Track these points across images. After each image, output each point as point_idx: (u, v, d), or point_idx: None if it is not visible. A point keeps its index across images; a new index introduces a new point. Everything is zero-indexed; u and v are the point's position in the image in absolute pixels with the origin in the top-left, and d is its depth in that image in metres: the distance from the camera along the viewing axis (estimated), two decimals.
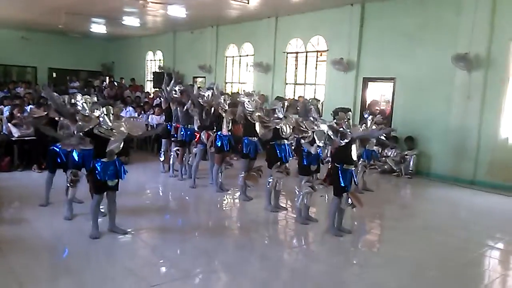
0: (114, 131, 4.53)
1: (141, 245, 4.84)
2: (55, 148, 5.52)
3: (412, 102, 9.36)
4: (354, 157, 4.98)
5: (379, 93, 10.47)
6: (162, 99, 8.75)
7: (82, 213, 5.40)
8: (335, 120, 5.22)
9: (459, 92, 8.48)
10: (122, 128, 4.57)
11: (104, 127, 4.50)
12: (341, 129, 4.93)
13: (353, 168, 5.11)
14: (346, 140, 4.86)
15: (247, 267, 4.35)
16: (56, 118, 5.51)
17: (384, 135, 6.72)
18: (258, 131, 5.91)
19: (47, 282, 3.78)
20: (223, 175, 7.06)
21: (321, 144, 5.07)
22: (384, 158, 9.24)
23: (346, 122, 4.97)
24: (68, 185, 5.26)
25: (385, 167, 9.20)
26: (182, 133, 7.43)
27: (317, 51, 11.67)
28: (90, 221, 4.81)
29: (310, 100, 5.87)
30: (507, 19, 7.86)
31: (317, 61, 11.76)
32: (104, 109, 4.55)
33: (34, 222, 5.23)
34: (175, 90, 7.84)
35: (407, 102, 9.49)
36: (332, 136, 4.91)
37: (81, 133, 4.70)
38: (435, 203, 7.25)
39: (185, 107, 7.22)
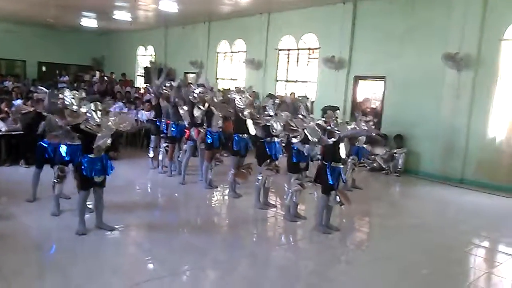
0: (101, 126, 4.48)
1: (129, 242, 4.81)
2: (42, 143, 5.46)
3: (402, 100, 9.41)
4: (343, 155, 4.98)
5: (370, 91, 10.51)
6: (151, 95, 8.70)
7: (69, 209, 5.35)
8: (323, 118, 5.22)
9: (449, 92, 8.54)
10: (110, 124, 4.52)
11: (92, 122, 4.46)
12: (329, 127, 4.94)
13: (341, 166, 5.12)
14: (333, 139, 4.87)
15: (236, 265, 4.35)
16: (44, 113, 5.45)
17: (373, 135, 6.74)
18: (250, 128, 5.90)
19: (34, 279, 3.73)
20: (212, 172, 7.04)
21: (315, 140, 5.05)
22: (373, 156, 9.28)
23: (335, 121, 4.98)
24: (55, 180, 5.21)
25: (374, 165, 9.25)
26: (172, 129, 7.40)
27: (309, 49, 11.67)
28: (77, 217, 4.76)
29: (300, 98, 5.84)
30: (497, 19, 7.92)
31: (308, 58, 11.77)
32: (92, 104, 4.50)
33: (21, 218, 5.17)
34: (165, 86, 7.80)
35: (397, 100, 9.53)
36: (320, 134, 4.92)
37: (68, 127, 4.65)
38: (423, 202, 7.31)
39: (172, 103, 7.19)
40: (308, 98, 5.67)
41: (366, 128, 6.53)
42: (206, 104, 6.74)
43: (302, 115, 5.32)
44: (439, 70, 8.58)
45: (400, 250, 4.93)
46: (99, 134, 4.46)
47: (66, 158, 5.16)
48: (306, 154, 5.26)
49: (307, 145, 5.13)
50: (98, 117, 4.48)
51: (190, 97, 6.87)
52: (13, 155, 7.95)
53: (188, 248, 4.62)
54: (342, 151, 4.94)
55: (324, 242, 5.05)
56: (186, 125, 7.14)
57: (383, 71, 9.73)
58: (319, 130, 4.96)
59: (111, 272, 3.91)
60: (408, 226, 5.83)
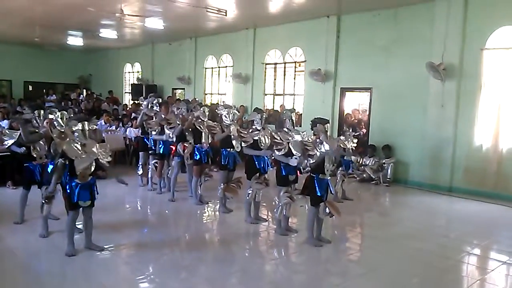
0: (86, 149, 4.43)
1: (119, 262, 4.75)
2: (30, 165, 5.41)
3: (388, 111, 9.52)
4: (327, 172, 5.00)
5: (356, 103, 10.62)
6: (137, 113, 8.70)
7: (58, 230, 5.28)
8: (313, 131, 5.25)
9: (434, 101, 8.67)
10: (94, 149, 4.47)
11: (75, 146, 4.40)
12: (318, 140, 4.96)
13: (328, 178, 5.14)
14: (312, 161, 4.89)
15: (227, 281, 4.31)
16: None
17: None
18: (234, 144, 5.92)
19: None
20: (202, 187, 7.01)
21: (298, 154, 5.08)
22: (362, 167, 9.35)
23: (324, 134, 4.99)
24: (43, 201, 5.14)
25: (364, 175, 9.30)
26: (160, 146, 7.38)
27: (295, 62, 11.78)
28: (66, 238, 4.69)
29: (284, 112, 5.88)
30: (478, 29, 8.10)
31: (295, 71, 11.87)
32: (80, 125, 4.47)
33: (9, 240, 5.09)
34: (152, 104, 7.80)
35: (383, 111, 9.64)
36: (302, 150, 4.94)
37: (62, 161, 4.57)
38: (413, 211, 7.35)
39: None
40: (293, 111, 5.69)
41: (353, 146, 6.63)
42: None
43: (287, 128, 5.34)
44: (423, 80, 8.72)
45: (392, 260, 4.94)
46: (76, 160, 4.39)
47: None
48: (292, 165, 5.26)
49: (294, 157, 5.14)
50: (86, 137, 4.45)
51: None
52: (0, 176, 7.83)
53: (179, 266, 4.57)
54: (328, 167, 4.96)
55: (316, 255, 5.04)
56: (173, 141, 7.13)
57: (369, 83, 9.86)
58: (307, 147, 4.97)
59: None
60: (399, 235, 5.85)
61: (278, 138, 5.26)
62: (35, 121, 5.45)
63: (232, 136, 5.79)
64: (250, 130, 5.84)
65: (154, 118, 7.56)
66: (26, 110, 5.81)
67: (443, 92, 8.50)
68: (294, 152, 5.06)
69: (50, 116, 5.38)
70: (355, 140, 6.87)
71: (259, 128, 5.77)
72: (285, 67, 12.06)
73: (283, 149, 5.20)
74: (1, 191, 7.55)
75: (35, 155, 5.37)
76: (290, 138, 5.19)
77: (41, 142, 5.34)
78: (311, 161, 4.88)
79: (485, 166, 8.13)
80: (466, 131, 8.35)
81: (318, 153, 4.87)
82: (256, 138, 5.64)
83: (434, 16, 8.62)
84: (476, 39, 8.12)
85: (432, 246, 5.45)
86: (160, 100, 7.98)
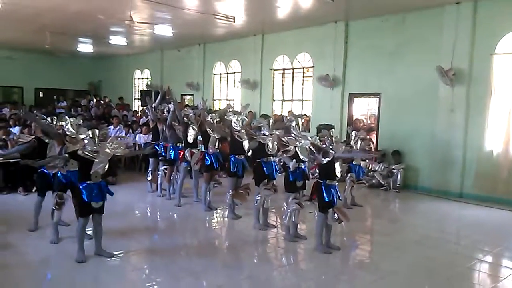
0: (99, 152, 4.50)
1: (128, 268, 4.77)
2: (44, 170, 5.46)
3: (397, 116, 9.48)
4: (338, 174, 4.99)
5: (365, 108, 10.59)
6: (148, 117, 8.75)
7: (68, 236, 5.32)
8: (318, 137, 5.24)
9: (443, 106, 8.61)
10: (107, 150, 4.53)
11: (89, 149, 4.47)
12: (324, 146, 4.96)
13: (336, 184, 5.12)
14: (328, 159, 4.89)
15: (236, 287, 4.31)
16: (46, 140, 5.47)
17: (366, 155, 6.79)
18: (245, 148, 5.93)
19: None
20: (211, 193, 7.03)
21: (305, 159, 5.08)
22: (372, 173, 9.31)
23: (329, 139, 4.99)
24: (54, 208, 5.19)
25: (373, 181, 9.25)
26: (171, 151, 7.41)
27: (303, 68, 11.79)
28: (76, 244, 4.73)
29: (289, 117, 5.89)
30: (487, 34, 8.05)
31: (303, 77, 11.88)
32: (90, 132, 4.53)
33: (20, 246, 5.14)
34: (162, 108, 7.86)
35: (392, 116, 9.60)
36: (315, 154, 4.94)
37: (66, 155, 4.66)
38: (423, 217, 7.28)
39: (167, 123, 7.24)
40: (299, 116, 5.71)
41: (360, 147, 6.58)
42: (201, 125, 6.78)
43: (294, 133, 5.35)
44: (432, 86, 8.68)
45: (402, 267, 4.90)
46: (96, 160, 4.48)
47: (64, 184, 5.16)
48: (292, 169, 5.26)
49: (294, 160, 5.14)
50: (96, 144, 4.50)
51: (184, 118, 6.94)
52: (12, 183, 7.93)
53: (188, 272, 4.58)
54: (338, 170, 4.95)
55: (325, 262, 5.01)
56: (181, 147, 7.17)
57: (378, 88, 9.82)
58: (313, 150, 4.98)
59: None
60: (409, 242, 5.81)
61: (285, 141, 5.26)
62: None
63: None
64: (258, 135, 5.86)
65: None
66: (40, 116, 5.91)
67: (453, 97, 8.45)
68: (301, 157, 5.06)
69: (60, 123, 5.43)
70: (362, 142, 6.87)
71: (266, 133, 5.78)
72: (293, 73, 12.08)
73: (289, 152, 5.22)
74: (12, 197, 7.63)
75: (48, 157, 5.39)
76: (297, 143, 5.19)
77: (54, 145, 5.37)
78: (326, 160, 4.87)
79: (496, 172, 8.05)
80: (476, 136, 8.28)
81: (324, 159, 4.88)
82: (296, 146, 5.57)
83: (443, 21, 8.59)
84: (486, 44, 8.07)
85: (442, 253, 5.40)
86: (172, 106, 8.02)
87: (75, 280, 4.29)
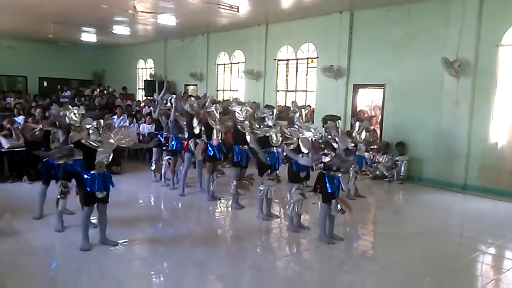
0: (103, 142, 4.51)
1: (132, 257, 4.80)
2: (49, 159, 5.48)
3: (402, 107, 9.44)
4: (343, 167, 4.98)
5: (369, 99, 10.54)
6: (152, 108, 8.76)
7: (73, 224, 5.35)
8: (324, 128, 5.23)
9: (448, 98, 8.56)
10: (111, 140, 4.53)
11: (93, 138, 4.48)
12: (329, 137, 4.94)
13: (339, 175, 5.12)
14: (327, 159, 4.86)
15: (239, 277, 4.33)
16: (53, 131, 5.49)
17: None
18: (248, 140, 5.93)
19: None
20: (214, 184, 7.04)
21: (306, 152, 5.07)
22: (375, 164, 9.29)
23: (335, 131, 4.97)
24: (58, 196, 5.22)
25: (377, 172, 9.24)
26: (173, 142, 7.42)
27: (308, 58, 11.73)
28: (81, 233, 4.76)
29: (292, 108, 5.87)
30: (493, 25, 7.97)
31: (307, 68, 11.82)
32: (95, 122, 4.53)
33: (26, 234, 5.17)
34: (166, 100, 7.85)
35: (397, 107, 9.56)
36: (315, 153, 4.93)
37: (71, 144, 4.67)
38: (427, 208, 7.28)
39: (170, 118, 7.26)
40: (302, 107, 5.68)
41: (364, 139, 6.56)
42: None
43: (297, 125, 5.33)
44: (437, 77, 8.62)
45: (405, 258, 4.91)
46: (99, 149, 4.48)
47: (69, 173, 5.19)
48: (302, 164, 5.26)
49: (303, 154, 5.13)
50: (100, 134, 4.51)
51: (188, 109, 6.93)
52: (16, 171, 7.97)
53: (191, 261, 4.61)
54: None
55: (328, 252, 5.03)
56: (185, 137, 7.18)
57: (382, 79, 9.77)
58: (315, 148, 4.97)
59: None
60: (412, 233, 5.81)
61: (288, 133, 5.25)
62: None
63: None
64: (261, 127, 5.85)
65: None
66: (53, 106, 5.92)
67: (458, 89, 8.39)
68: (302, 149, 5.05)
69: (64, 112, 5.43)
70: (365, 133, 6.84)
71: (270, 124, 5.77)
72: (297, 64, 12.02)
73: (293, 145, 5.21)
74: (17, 186, 7.67)
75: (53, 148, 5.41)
76: (300, 135, 5.18)
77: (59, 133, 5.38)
78: (327, 160, 4.85)
79: (500, 164, 8.02)
80: (481, 128, 8.25)
81: (332, 153, 4.86)
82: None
83: (448, 12, 8.50)
84: (492, 35, 7.99)
85: (446, 244, 5.40)
86: (175, 96, 8.01)
87: (80, 268, 4.33)
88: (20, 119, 9.59)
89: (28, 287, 3.85)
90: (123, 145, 4.80)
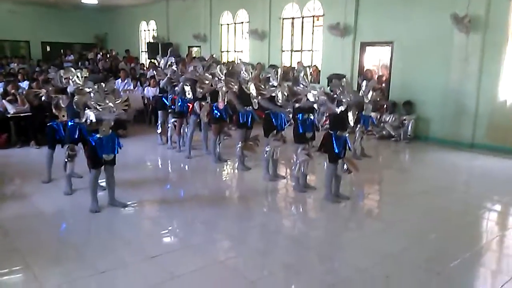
0: (104, 106, 4.47)
1: (141, 217, 4.89)
2: (53, 124, 5.49)
3: (410, 66, 9.25)
4: (351, 123, 4.93)
5: (377, 59, 10.33)
6: (155, 72, 8.65)
7: (82, 187, 5.43)
8: (329, 87, 5.16)
9: (457, 55, 8.37)
10: (111, 105, 4.49)
11: (95, 101, 4.44)
12: (335, 96, 4.89)
13: (346, 135, 5.10)
14: (342, 108, 4.82)
15: (247, 236, 4.40)
16: (54, 96, 5.46)
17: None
18: (253, 103, 5.88)
19: (51, 260, 3.76)
20: (221, 146, 7.05)
21: (314, 104, 5.05)
22: (382, 124, 9.22)
23: (341, 89, 4.90)
24: (66, 160, 5.27)
25: (383, 132, 9.19)
26: (179, 104, 7.38)
27: (313, 16, 11.43)
28: (90, 195, 4.83)
29: (297, 68, 5.77)
30: None
31: (313, 26, 11.55)
32: (96, 86, 4.48)
33: (35, 198, 5.26)
34: (172, 63, 7.74)
35: (405, 66, 9.37)
36: (328, 103, 4.88)
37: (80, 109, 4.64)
38: (434, 167, 7.28)
39: (178, 86, 7.19)
40: (307, 67, 5.58)
41: (371, 98, 6.47)
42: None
43: (303, 84, 5.26)
44: (447, 33, 8.39)
45: (411, 216, 4.94)
46: (100, 113, 4.44)
47: (75, 137, 5.21)
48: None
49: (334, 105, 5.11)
50: (102, 98, 4.47)
51: (190, 74, 6.86)
52: (23, 136, 8.02)
53: (199, 221, 4.68)
54: (351, 119, 4.89)
55: (334, 211, 5.08)
56: (191, 99, 7.13)
57: (390, 36, 9.53)
58: (327, 99, 4.92)
59: (125, 247, 3.99)
60: (418, 192, 5.83)
61: (297, 90, 5.20)
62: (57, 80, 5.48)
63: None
64: (267, 88, 5.78)
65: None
66: (51, 69, 5.87)
67: (467, 45, 8.18)
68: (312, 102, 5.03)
69: (67, 75, 5.38)
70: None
71: (275, 84, 5.69)
72: (302, 22, 11.72)
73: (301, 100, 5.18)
74: (25, 150, 7.74)
75: (57, 114, 5.42)
76: (308, 92, 5.13)
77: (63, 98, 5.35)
78: (340, 108, 4.82)
79: (509, 122, 7.93)
80: (490, 86, 8.10)
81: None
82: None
83: None
84: None
85: (452, 202, 5.43)
86: (174, 60, 7.90)
87: (91, 229, 4.42)
88: (24, 84, 9.57)
89: (40, 250, 3.93)
90: (125, 109, 4.74)
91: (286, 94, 5.40)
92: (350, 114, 4.86)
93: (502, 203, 5.55)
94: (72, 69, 5.39)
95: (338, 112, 4.86)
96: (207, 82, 6.56)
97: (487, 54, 8.06)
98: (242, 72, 6.14)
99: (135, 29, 18.71)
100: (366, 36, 10.08)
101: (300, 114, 5.41)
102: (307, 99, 5.09)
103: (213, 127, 6.88)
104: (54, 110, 5.43)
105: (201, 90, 6.55)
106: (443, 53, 8.59)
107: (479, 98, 8.24)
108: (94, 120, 4.42)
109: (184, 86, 7.04)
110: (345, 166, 5.12)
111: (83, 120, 4.54)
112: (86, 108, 4.47)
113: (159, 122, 8.20)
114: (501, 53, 7.91)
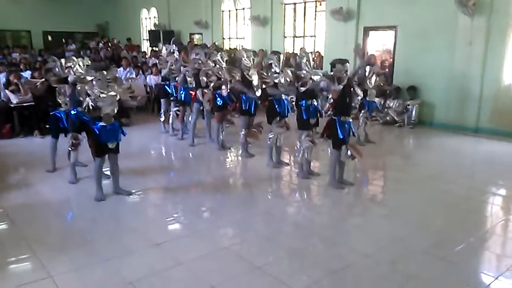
0: (104, 94, 4.45)
1: (146, 205, 4.91)
2: (56, 113, 5.48)
3: (414, 50, 9.16)
4: (360, 93, 4.90)
5: (380, 44, 10.23)
6: (157, 61, 8.61)
7: (86, 176, 5.45)
8: (332, 73, 5.13)
9: (461, 39, 8.27)
10: (112, 93, 4.47)
11: (97, 89, 4.42)
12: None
13: (350, 120, 5.08)
14: (343, 83, 4.79)
15: (251, 223, 4.41)
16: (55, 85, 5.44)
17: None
18: (256, 90, 5.85)
19: (57, 248, 3.78)
20: (224, 133, 7.04)
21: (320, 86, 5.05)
22: (386, 109, 9.17)
23: (344, 74, 4.87)
24: (70, 148, 5.27)
25: (387, 118, 9.15)
26: (181, 92, 7.36)
27: (316, 1, 11.31)
28: (95, 184, 4.84)
29: (299, 54, 5.74)
30: None
31: (316, 11, 11.43)
32: (98, 74, 4.46)
33: (40, 187, 5.28)
34: (173, 50, 7.70)
35: (409, 50, 9.29)
36: (329, 85, 4.87)
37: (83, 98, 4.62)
38: (438, 152, 7.25)
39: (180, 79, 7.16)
40: (309, 53, 5.55)
41: (374, 83, 6.44)
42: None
43: (305, 70, 5.23)
44: (451, 17, 8.29)
45: (415, 201, 4.94)
46: (102, 102, 4.43)
47: (78, 125, 5.19)
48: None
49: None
50: (104, 86, 4.45)
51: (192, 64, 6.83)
52: (27, 126, 8.03)
53: (204, 208, 4.71)
54: (358, 92, 4.86)
55: (338, 197, 5.08)
56: (193, 87, 7.10)
57: (394, 21, 9.43)
58: (329, 81, 4.92)
59: (131, 234, 4.02)
60: (423, 177, 5.82)
61: (301, 74, 5.18)
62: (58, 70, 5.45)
63: (282, 80, 5.65)
64: (269, 74, 5.74)
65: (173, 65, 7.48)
66: (51, 59, 5.83)
67: (472, 28, 8.08)
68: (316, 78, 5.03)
69: (69, 64, 5.35)
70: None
71: (278, 70, 5.66)
72: (305, 7, 11.61)
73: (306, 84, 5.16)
74: (29, 140, 7.76)
75: (60, 102, 5.40)
76: (312, 76, 5.12)
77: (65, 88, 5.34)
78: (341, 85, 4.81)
79: None
80: (494, 70, 8.02)
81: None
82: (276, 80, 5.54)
83: None
84: None
85: (456, 187, 5.41)
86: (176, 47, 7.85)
87: (96, 218, 4.44)
88: (27, 74, 9.54)
89: (46, 238, 3.96)
90: (128, 96, 4.74)
91: (289, 80, 5.37)
92: (354, 92, 4.85)
93: (506, 187, 5.53)
94: (74, 58, 5.37)
95: (341, 87, 4.84)
96: (211, 73, 6.54)
97: (492, 38, 7.97)
98: (243, 59, 6.10)
99: (136, 17, 18.59)
100: (369, 20, 9.97)
101: (304, 101, 5.38)
102: (313, 80, 5.07)
103: (216, 114, 6.86)
104: (58, 99, 5.39)
105: (211, 84, 6.53)
106: (447, 37, 8.50)
107: (483, 82, 8.17)
108: (92, 105, 4.41)
109: (187, 77, 7.01)
110: (349, 152, 5.11)
111: (83, 106, 4.53)
112: (87, 97, 4.46)
113: (162, 110, 8.19)
114: (506, 36, 7.82)
